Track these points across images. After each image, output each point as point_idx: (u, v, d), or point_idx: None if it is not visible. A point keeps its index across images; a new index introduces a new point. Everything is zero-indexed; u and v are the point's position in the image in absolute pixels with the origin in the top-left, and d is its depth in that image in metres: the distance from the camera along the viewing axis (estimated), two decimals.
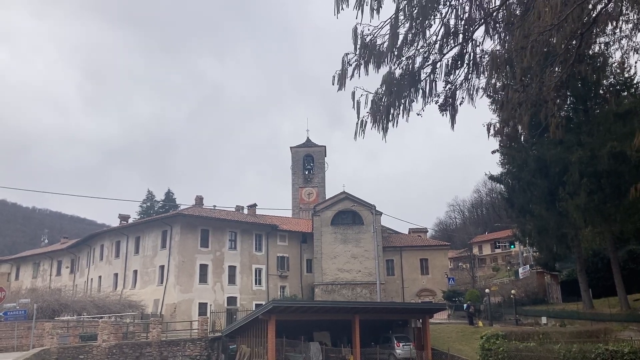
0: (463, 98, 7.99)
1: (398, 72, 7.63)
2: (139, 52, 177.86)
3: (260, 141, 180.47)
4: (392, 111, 7.73)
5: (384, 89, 7.61)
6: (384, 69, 7.66)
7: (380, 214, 45.00)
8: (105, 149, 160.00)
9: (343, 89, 7.45)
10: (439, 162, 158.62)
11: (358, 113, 7.57)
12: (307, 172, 63.81)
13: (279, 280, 45.38)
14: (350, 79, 7.54)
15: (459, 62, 7.81)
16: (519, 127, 8.79)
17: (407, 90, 7.64)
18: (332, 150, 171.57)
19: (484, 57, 7.88)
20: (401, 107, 7.72)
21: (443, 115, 8.08)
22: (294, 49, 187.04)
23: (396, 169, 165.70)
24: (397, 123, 7.68)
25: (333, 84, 7.54)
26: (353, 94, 7.44)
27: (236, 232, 43.98)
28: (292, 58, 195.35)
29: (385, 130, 7.75)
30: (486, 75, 7.92)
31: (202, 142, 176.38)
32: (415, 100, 7.81)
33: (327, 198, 53.31)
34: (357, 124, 7.77)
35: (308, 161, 63.66)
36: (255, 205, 48.92)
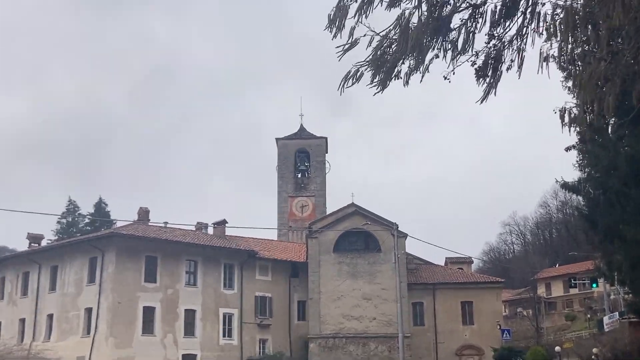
0: (512, 62, 8.12)
1: (417, 15, 7.78)
2: (59, 4, 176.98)
3: (231, 132, 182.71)
4: (400, 64, 7.94)
5: (396, 31, 7.75)
6: (400, 8, 7.82)
7: (405, 236, 45.99)
8: (8, 139, 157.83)
9: (339, 35, 7.69)
10: (487, 164, 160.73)
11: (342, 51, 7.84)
12: (300, 175, 65.14)
13: (257, 330, 46.40)
14: (355, 17, 7.65)
15: (512, 10, 8.03)
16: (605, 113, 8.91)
17: (430, 38, 7.81)
18: (335, 145, 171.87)
19: (547, 5, 8.03)
20: (415, 62, 7.88)
21: (480, 83, 8.28)
22: (280, 1, 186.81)
23: (426, 174, 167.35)
24: (407, 80, 7.98)
25: (327, 29, 7.75)
26: (352, 29, 7.63)
27: (197, 261, 44.85)
28: (277, 14, 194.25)
29: (383, 85, 8.04)
30: (547, 30, 8.04)
31: (148, 132, 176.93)
32: (440, 56, 7.96)
33: (328, 213, 54.46)
34: (347, 73, 7.94)
35: (302, 159, 64.90)
36: (224, 222, 49.47)
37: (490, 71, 8.26)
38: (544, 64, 8.07)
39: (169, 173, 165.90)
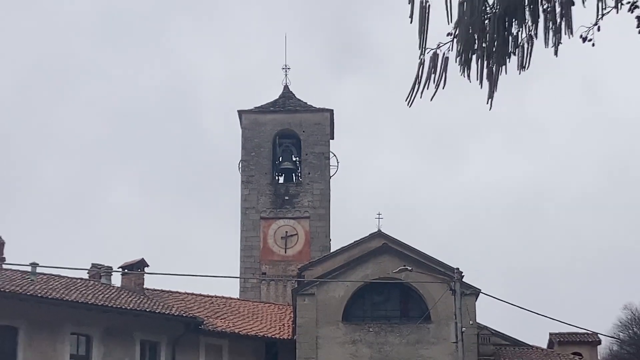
0: None
1: None
2: None
3: (148, 101, 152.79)
4: (513, 27, 7.38)
5: None
6: None
7: (476, 294, 39.82)
8: None
9: None
10: (621, 169, 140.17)
11: (423, 35, 7.41)
12: (282, 180, 55.80)
13: None
14: None
15: None
16: None
17: None
18: (343, 125, 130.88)
19: None
20: (542, 17, 7.31)
21: None
22: None
23: (510, 186, 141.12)
24: (527, 60, 7.47)
25: None
26: None
27: (90, 337, 38.66)
28: None
29: (492, 76, 7.48)
30: None
31: (0, 105, 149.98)
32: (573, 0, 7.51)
33: (333, 250, 47.76)
34: (420, 64, 7.55)
35: (286, 151, 55.16)
36: (142, 265, 42.04)
37: None
38: None
39: (34, 174, 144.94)
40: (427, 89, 7.70)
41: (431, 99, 7.95)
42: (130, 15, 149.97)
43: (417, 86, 7.71)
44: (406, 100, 7.91)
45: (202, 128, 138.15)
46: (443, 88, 7.75)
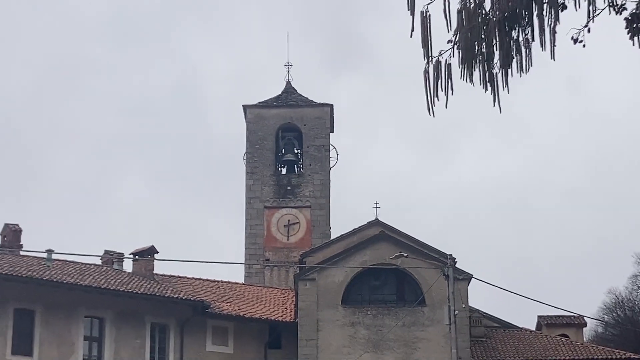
0: None
1: None
2: None
3: (157, 97, 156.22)
4: (513, 32, 7.85)
5: None
6: None
7: (468, 279, 40.82)
8: None
9: None
10: (604, 164, 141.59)
11: (427, 44, 7.87)
12: (285, 171, 57.27)
13: None
14: None
15: None
16: None
17: None
18: (342, 120, 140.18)
19: None
20: (535, 21, 7.73)
21: (635, 41, 7.88)
22: None
23: (500, 179, 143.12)
24: (527, 62, 7.90)
25: None
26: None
27: (103, 320, 39.94)
28: None
29: (494, 80, 7.93)
30: None
31: (10, 97, 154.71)
32: (566, 4, 7.83)
33: (333, 237, 49.16)
34: (426, 73, 8.02)
35: (288, 143, 56.56)
36: (152, 252, 43.54)
37: None
38: None
39: (49, 166, 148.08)
40: (437, 96, 7.99)
41: (446, 107, 8.20)
42: (140, 17, 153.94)
43: (429, 95, 8.04)
44: (428, 112, 8.11)
45: (208, 122, 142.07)
46: (452, 94, 8.04)
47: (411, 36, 7.92)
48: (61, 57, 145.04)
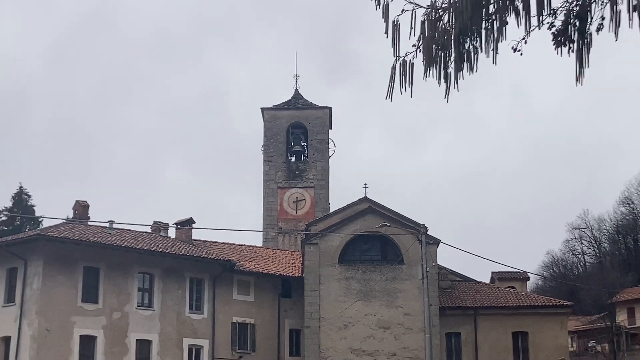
0: (602, 21, 7.90)
1: None
2: None
3: (192, 101, 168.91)
4: (465, 41, 8.16)
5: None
6: None
7: (437, 243, 44.45)
8: None
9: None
10: (541, 150, 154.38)
11: (395, 46, 8.35)
12: (294, 159, 64.04)
13: None
14: None
15: None
16: None
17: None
18: (339, 120, 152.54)
19: None
20: (483, 33, 8.10)
21: (559, 51, 8.22)
22: None
23: (465, 160, 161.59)
24: (475, 65, 8.21)
25: None
26: (386, 7, 8.24)
27: (153, 275, 43.22)
28: None
29: (449, 78, 8.30)
30: None
31: (79, 101, 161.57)
32: (507, 21, 8.10)
33: (332, 210, 54.24)
34: (393, 68, 8.45)
35: (297, 137, 63.93)
36: (190, 222, 47.99)
37: (576, 34, 8.08)
38: (634, 14, 7.69)
39: (109, 155, 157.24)
40: (402, 88, 8.42)
41: (411, 96, 8.46)
42: (177, 38, 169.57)
43: (391, 85, 8.45)
44: (386, 98, 8.51)
45: (233, 121, 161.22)
46: (411, 87, 8.35)
47: (387, 37, 8.38)
48: (116, 70, 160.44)
